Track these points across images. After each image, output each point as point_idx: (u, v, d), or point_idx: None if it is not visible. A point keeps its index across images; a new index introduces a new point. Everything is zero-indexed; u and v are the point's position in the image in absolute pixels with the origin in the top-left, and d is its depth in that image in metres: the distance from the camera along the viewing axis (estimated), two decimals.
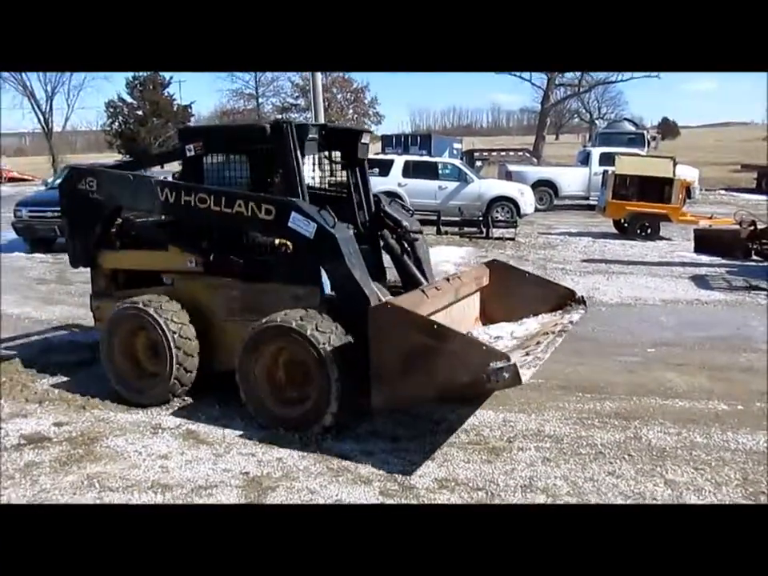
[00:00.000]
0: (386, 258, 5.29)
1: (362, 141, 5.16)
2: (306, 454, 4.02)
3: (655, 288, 9.04)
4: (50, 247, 12.32)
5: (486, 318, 5.26)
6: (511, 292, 5.21)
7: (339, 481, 3.72)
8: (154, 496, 3.57)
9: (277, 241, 4.70)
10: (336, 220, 4.36)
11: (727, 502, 3.44)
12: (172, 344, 4.64)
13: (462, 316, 4.98)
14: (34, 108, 39.82)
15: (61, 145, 43.73)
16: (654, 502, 3.47)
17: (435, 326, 3.68)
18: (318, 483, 3.69)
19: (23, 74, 37.98)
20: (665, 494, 3.54)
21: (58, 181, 14.61)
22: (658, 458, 3.96)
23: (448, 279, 4.85)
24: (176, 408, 4.72)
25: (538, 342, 4.24)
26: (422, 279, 4.98)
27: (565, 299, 5.11)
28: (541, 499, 3.50)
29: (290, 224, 4.33)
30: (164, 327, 4.63)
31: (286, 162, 4.56)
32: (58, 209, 12.03)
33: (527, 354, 3.98)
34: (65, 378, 5.39)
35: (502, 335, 4.69)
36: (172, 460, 4.00)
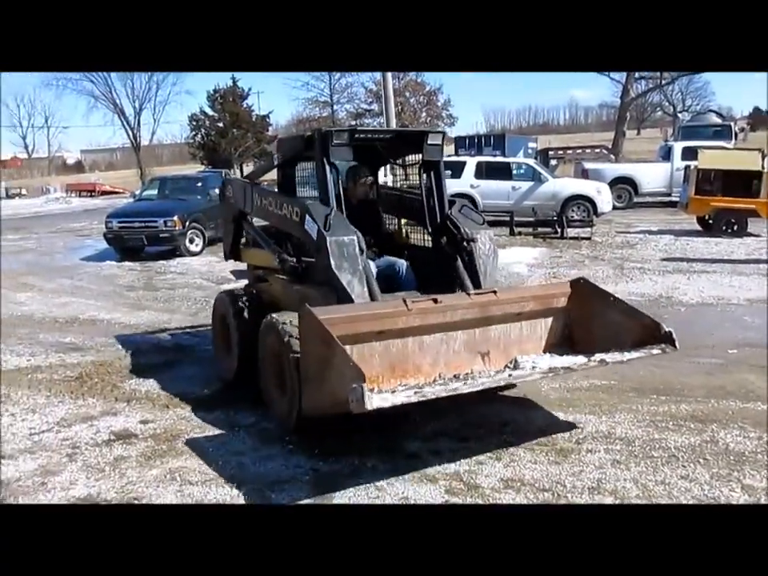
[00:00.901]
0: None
1: (429, 142, 4.99)
2: (374, 452, 4.12)
3: (740, 287, 8.63)
4: (138, 256, 13.05)
5: (573, 344, 4.69)
6: (593, 318, 4.56)
7: (406, 479, 3.79)
8: (230, 490, 3.76)
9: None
10: (333, 224, 4.38)
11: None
12: (234, 329, 5.23)
13: (508, 339, 4.51)
14: (123, 124, 42.36)
15: (148, 158, 46.20)
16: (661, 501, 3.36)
17: (328, 336, 3.46)
18: (385, 481, 3.78)
19: (113, 92, 40.36)
20: (741, 499, 3.41)
21: (146, 192, 15.61)
22: (735, 463, 3.82)
23: (468, 294, 4.42)
24: (252, 407, 4.92)
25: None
26: (469, 286, 4.64)
27: (650, 333, 4.23)
28: (609, 501, 3.45)
29: (305, 226, 4.52)
30: (232, 312, 5.26)
31: (316, 167, 4.82)
32: (146, 219, 12.97)
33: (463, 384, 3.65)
34: (150, 379, 5.72)
35: (542, 367, 4.06)
36: (247, 456, 4.18)
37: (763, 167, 12.88)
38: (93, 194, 40.93)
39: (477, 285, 4.69)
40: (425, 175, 5.10)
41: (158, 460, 4.17)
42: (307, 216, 4.50)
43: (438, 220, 5.04)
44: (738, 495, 3.46)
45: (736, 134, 22.51)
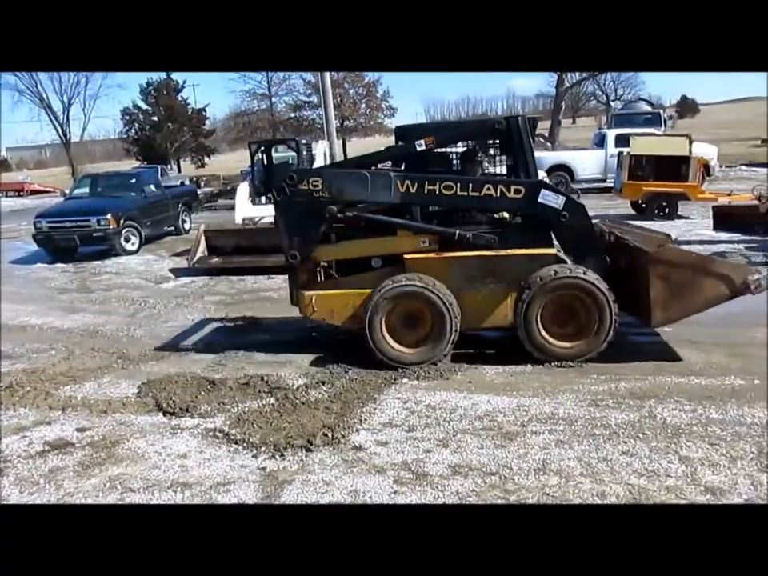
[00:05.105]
0: None
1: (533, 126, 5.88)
2: (321, 446, 4.08)
3: None
4: (71, 257, 12.54)
5: None
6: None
7: (354, 472, 3.77)
8: (173, 495, 3.65)
9: (499, 215, 5.60)
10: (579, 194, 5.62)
11: (732, 502, 3.34)
12: (450, 312, 5.28)
13: None
14: (51, 119, 40.42)
15: (80, 155, 44.39)
16: (653, 501, 3.45)
17: (703, 258, 5.17)
18: (333, 475, 3.74)
19: (39, 86, 38.61)
20: (679, 470, 3.53)
21: (77, 191, 15.01)
22: (672, 436, 3.94)
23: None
24: (194, 410, 4.80)
25: None
26: None
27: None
28: (554, 481, 3.51)
29: (540, 199, 5.26)
30: (443, 299, 5.27)
31: (523, 150, 5.45)
32: (77, 218, 12.46)
33: None
34: (87, 384, 5.52)
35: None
36: (191, 459, 4.08)
37: (691, 152, 13.33)
38: (21, 193, 39.03)
39: None
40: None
41: (96, 468, 4.01)
42: (544, 190, 5.29)
43: None
44: (675, 466, 3.57)
45: (665, 121, 23.16)
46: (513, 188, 5.28)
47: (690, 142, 13.44)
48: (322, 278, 5.78)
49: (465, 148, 5.84)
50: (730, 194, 13.09)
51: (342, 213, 5.63)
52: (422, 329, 5.43)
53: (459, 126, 6.06)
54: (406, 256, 5.53)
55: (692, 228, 12.09)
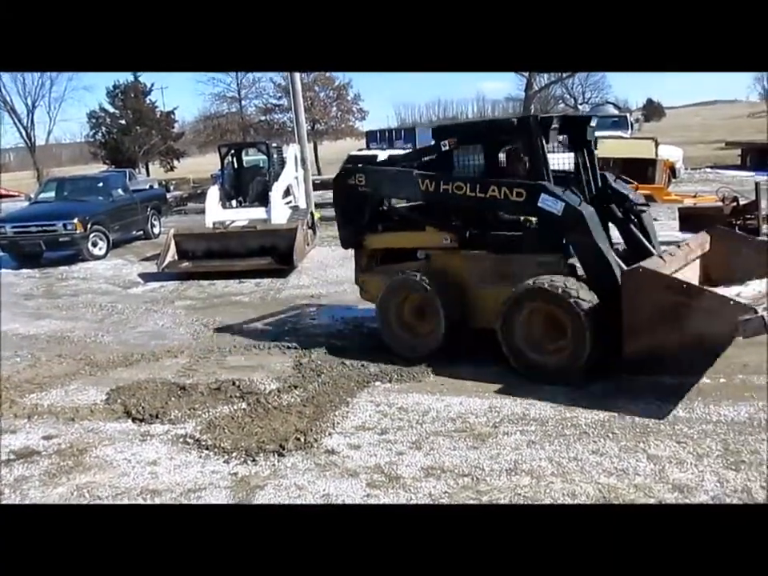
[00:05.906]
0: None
1: (590, 125, 5.88)
2: (293, 451, 4.05)
3: None
4: (37, 262, 12.29)
5: (709, 281, 5.43)
6: (733, 256, 5.41)
7: (327, 476, 3.75)
8: (143, 502, 3.60)
9: (522, 218, 5.47)
10: (581, 198, 5.11)
11: (731, 501, 3.33)
12: (440, 305, 5.40)
13: (688, 278, 5.07)
14: (15, 122, 39.46)
15: (45, 158, 43.42)
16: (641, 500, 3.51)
17: (685, 286, 4.31)
18: (305, 479, 3.72)
19: (2, 88, 37.73)
20: (647, 468, 3.58)
21: (42, 194, 14.71)
22: (641, 434, 4.00)
23: (679, 246, 5.37)
24: (164, 416, 4.73)
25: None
26: (650, 247, 5.47)
27: None
28: (526, 481, 3.54)
29: (539, 204, 5.04)
30: (435, 291, 5.42)
31: (533, 150, 5.24)
32: (43, 222, 12.20)
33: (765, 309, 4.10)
34: (54, 391, 5.41)
35: (728, 295, 4.58)
36: (161, 465, 4.03)
37: (657, 155, 13.60)
38: None
39: (650, 242, 5.55)
40: (580, 153, 5.69)
41: (63, 477, 3.94)
42: (543, 194, 5.00)
43: (594, 191, 5.64)
44: (644, 465, 3.63)
45: (632, 125, 23.56)
46: (515, 190, 5.20)
47: (656, 145, 13.74)
48: (377, 264, 6.28)
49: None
50: (695, 196, 13.36)
51: (382, 206, 6.16)
52: (429, 322, 5.61)
53: (474, 126, 6.13)
54: (429, 251, 5.83)
55: (659, 229, 12.25)
